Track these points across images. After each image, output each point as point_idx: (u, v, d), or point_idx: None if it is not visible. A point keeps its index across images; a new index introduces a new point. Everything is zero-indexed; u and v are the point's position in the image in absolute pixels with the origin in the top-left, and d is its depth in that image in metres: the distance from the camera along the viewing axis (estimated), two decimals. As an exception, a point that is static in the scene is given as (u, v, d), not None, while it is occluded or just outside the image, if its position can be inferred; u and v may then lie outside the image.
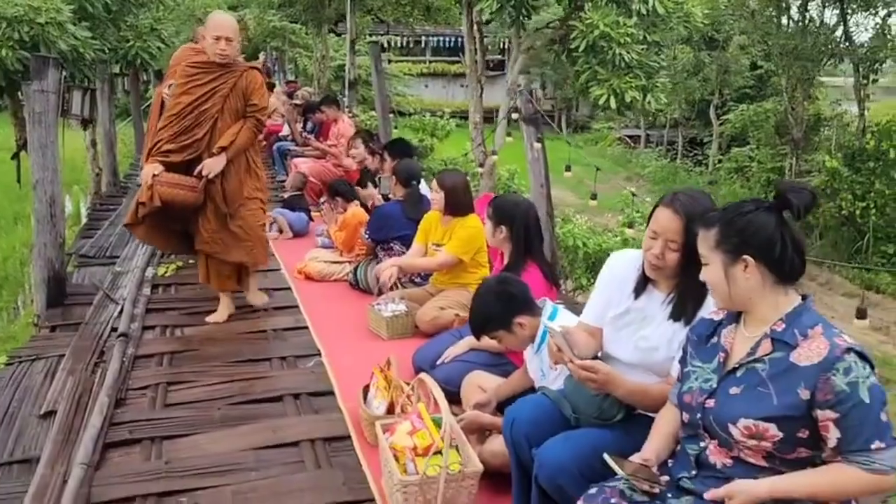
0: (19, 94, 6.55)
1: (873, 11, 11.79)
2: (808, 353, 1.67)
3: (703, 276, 1.83)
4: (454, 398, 3.00)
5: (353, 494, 2.65)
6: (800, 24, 13.11)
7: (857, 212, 10.94)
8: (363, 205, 5.42)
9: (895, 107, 15.27)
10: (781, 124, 14.92)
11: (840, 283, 10.96)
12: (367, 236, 4.97)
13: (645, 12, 6.06)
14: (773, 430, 1.67)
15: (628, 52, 6.07)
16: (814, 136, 14.84)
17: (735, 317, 1.86)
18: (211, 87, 3.98)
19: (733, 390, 1.75)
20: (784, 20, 13.49)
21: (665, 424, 1.99)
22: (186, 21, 16.71)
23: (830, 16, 12.72)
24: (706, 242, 1.80)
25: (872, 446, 1.61)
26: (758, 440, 1.69)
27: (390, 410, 2.94)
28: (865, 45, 11.95)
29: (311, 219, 6.68)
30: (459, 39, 7.72)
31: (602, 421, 2.20)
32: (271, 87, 10.21)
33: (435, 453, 2.36)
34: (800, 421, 1.66)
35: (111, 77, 9.34)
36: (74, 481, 2.64)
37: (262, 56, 18.16)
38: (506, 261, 3.39)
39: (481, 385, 3.01)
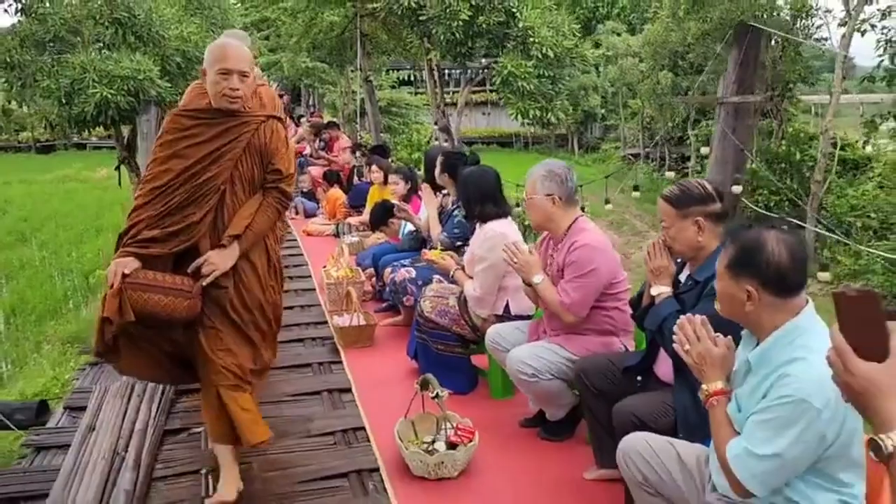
0: (121, 124, 9.43)
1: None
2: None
3: None
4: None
5: (310, 302, 5.52)
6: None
7: (773, 204, 13.42)
8: (342, 187, 8.34)
9: None
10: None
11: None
12: (347, 204, 7.85)
13: (540, 56, 8.85)
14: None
15: (528, 84, 8.84)
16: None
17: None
18: (215, 148, 2.71)
19: None
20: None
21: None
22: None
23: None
24: None
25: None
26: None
27: (333, 271, 5.75)
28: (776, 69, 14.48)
29: (318, 205, 9.64)
30: (481, 72, 10.25)
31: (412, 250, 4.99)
32: (298, 118, 13.29)
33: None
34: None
35: (179, 113, 12.53)
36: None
37: (285, 98, 17.39)
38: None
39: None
